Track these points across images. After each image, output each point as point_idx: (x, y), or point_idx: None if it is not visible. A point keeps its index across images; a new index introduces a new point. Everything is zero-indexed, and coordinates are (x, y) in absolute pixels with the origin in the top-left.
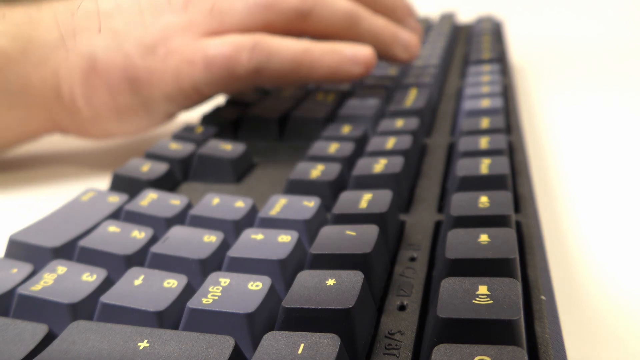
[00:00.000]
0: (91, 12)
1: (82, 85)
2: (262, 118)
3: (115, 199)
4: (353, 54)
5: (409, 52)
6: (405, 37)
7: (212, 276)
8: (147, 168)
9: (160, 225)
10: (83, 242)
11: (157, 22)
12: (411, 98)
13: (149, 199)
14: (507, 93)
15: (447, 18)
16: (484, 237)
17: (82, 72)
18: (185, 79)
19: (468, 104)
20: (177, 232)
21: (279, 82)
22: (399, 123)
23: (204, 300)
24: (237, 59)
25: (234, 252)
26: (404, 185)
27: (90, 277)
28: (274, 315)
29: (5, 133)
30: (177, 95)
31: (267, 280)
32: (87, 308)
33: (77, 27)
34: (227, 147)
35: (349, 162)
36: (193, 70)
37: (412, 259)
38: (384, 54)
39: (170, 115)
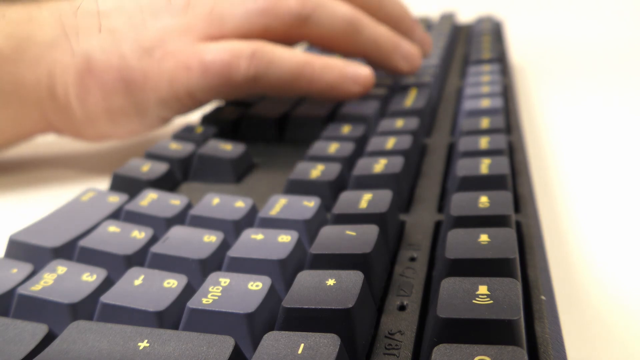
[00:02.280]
0: (89, 12)
1: (77, 86)
2: (262, 118)
3: (115, 199)
4: (354, 73)
5: (409, 62)
6: (407, 48)
7: (212, 276)
8: (147, 168)
9: (160, 225)
10: (83, 242)
11: (155, 24)
12: (411, 98)
13: (149, 199)
14: (507, 93)
15: (447, 18)
16: (484, 237)
17: (77, 72)
18: (180, 84)
19: (468, 104)
20: (177, 232)
21: (276, 93)
22: (399, 123)
23: (204, 300)
24: (235, 66)
25: (234, 252)
26: (404, 185)
27: (90, 277)
28: (274, 315)
29: None
30: (170, 99)
31: (267, 280)
32: (87, 308)
33: (75, 27)
34: (227, 147)
35: (349, 162)
36: (188, 76)
37: (412, 259)
38: (384, 64)
39: (164, 120)
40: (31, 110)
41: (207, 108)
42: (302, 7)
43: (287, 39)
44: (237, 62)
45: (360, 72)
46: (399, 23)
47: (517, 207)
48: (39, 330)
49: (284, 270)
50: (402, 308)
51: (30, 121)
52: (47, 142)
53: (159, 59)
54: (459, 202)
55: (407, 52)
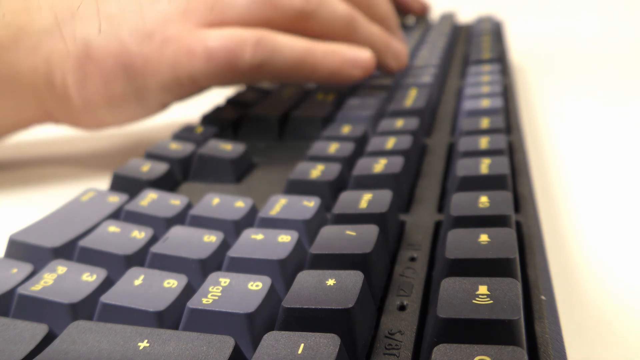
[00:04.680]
0: None
1: (76, 73)
2: (262, 118)
3: (115, 199)
4: (354, 57)
5: (398, 61)
6: (397, 47)
7: (212, 276)
8: (147, 168)
9: (160, 225)
10: (83, 242)
11: (153, 8)
12: (411, 98)
13: (149, 199)
14: (507, 93)
15: (447, 18)
16: (484, 237)
17: (75, 60)
18: (183, 69)
19: (468, 104)
20: (177, 232)
21: (279, 79)
22: (399, 123)
23: (204, 300)
24: (240, 53)
25: (234, 252)
26: (404, 185)
27: (90, 277)
28: (274, 315)
29: None
30: (172, 84)
31: (267, 280)
32: (87, 308)
33: (71, 14)
34: (227, 147)
35: (349, 162)
36: (192, 61)
37: (412, 259)
38: (376, 61)
39: (164, 106)
40: (28, 100)
41: (207, 108)
42: (306, 4)
43: (287, 32)
44: (242, 49)
45: (360, 56)
46: (385, 21)
47: (517, 207)
48: (39, 330)
49: (284, 270)
50: (402, 308)
51: (28, 110)
52: (47, 142)
53: (160, 43)
54: (459, 202)
55: (396, 50)
